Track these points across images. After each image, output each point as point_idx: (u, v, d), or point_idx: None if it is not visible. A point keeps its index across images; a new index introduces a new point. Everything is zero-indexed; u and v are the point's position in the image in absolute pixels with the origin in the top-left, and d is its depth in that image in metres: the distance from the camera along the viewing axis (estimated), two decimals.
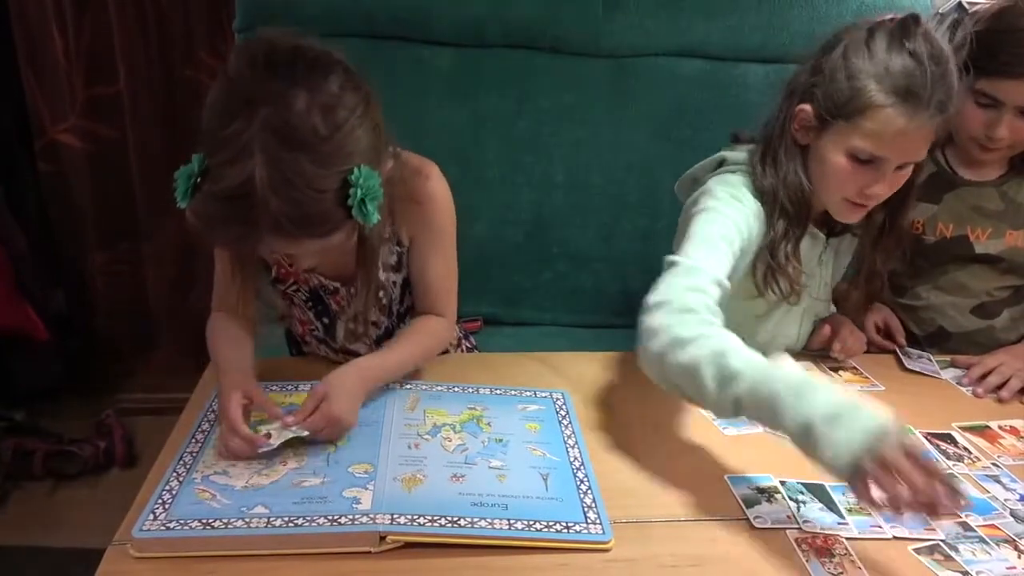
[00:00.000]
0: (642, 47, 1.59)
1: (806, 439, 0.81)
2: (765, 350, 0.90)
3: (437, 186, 1.06)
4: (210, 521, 0.80)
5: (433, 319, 1.12)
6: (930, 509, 0.76)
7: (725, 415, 0.93)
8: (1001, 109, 1.19)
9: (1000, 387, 1.20)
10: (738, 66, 1.61)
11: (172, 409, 2.14)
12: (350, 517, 0.81)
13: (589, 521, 0.85)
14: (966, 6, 1.64)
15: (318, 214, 0.83)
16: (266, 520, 0.81)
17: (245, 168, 0.79)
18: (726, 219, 1.05)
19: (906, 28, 1.00)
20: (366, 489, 0.86)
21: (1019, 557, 0.85)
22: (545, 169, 1.62)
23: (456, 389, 1.08)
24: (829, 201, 1.10)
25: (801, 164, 1.09)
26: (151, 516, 0.81)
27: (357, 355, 1.14)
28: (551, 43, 1.56)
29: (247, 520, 0.81)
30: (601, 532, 0.83)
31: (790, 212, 1.09)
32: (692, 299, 0.94)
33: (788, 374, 0.84)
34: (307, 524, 0.80)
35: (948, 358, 1.29)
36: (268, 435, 0.91)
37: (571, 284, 1.69)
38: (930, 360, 1.28)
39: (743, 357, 0.87)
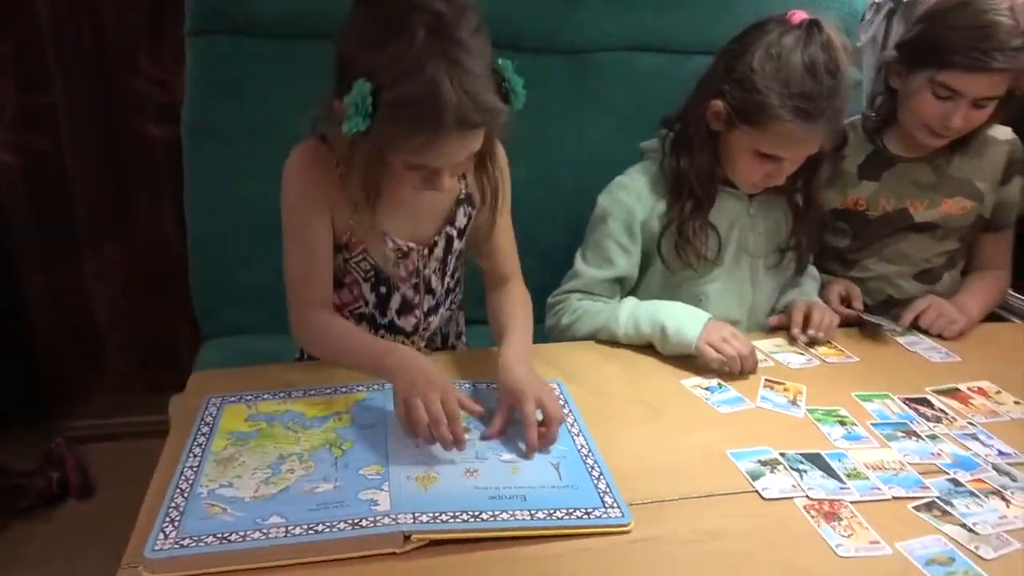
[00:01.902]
0: (599, 43, 1.62)
1: (663, 338, 1.18)
2: (733, 312, 1.30)
3: (500, 147, 1.11)
4: (226, 535, 0.77)
5: (518, 287, 1.19)
6: (746, 363, 1.13)
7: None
8: (959, 101, 1.26)
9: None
10: (693, 59, 1.63)
11: (128, 434, 2.07)
12: (371, 519, 0.80)
13: (607, 505, 0.85)
14: None
15: (488, 100, 0.90)
16: (284, 529, 0.78)
17: (428, 72, 0.86)
18: (612, 224, 1.29)
19: (809, 37, 1.12)
20: (381, 490, 0.85)
21: (1008, 506, 0.90)
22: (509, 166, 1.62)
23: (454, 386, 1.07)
24: (737, 179, 1.26)
25: (713, 150, 1.24)
26: (161, 535, 0.77)
27: (401, 332, 1.18)
28: (511, 40, 1.56)
29: (264, 531, 0.78)
30: (620, 515, 0.84)
31: (698, 193, 1.25)
32: (576, 301, 1.30)
33: (638, 305, 1.23)
34: (328, 530, 0.79)
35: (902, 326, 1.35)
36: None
37: (539, 280, 1.69)
38: (890, 322, 1.33)
39: (605, 308, 1.26)
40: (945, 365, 1.25)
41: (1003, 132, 1.40)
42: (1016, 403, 1.13)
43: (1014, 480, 0.95)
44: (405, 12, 0.88)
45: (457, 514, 0.82)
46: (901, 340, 1.31)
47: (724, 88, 1.19)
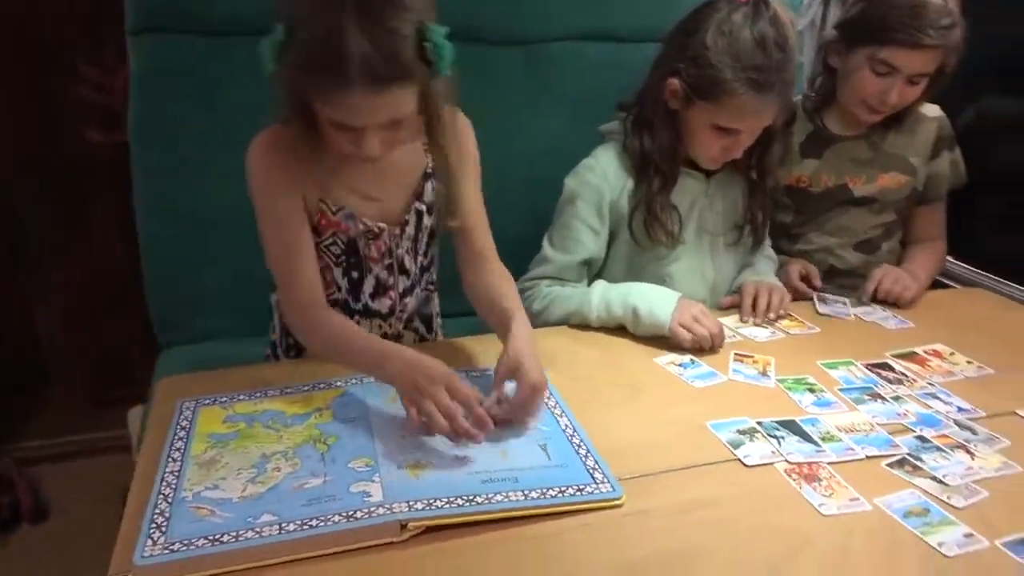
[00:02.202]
0: (551, 33, 1.63)
1: (636, 320, 1.20)
2: (697, 290, 1.33)
3: (469, 125, 1.12)
4: (217, 537, 0.76)
5: (498, 265, 1.16)
6: (716, 340, 1.17)
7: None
8: (896, 77, 1.33)
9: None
10: (642, 47, 1.66)
11: (81, 453, 1.99)
12: (366, 511, 0.79)
13: (597, 481, 0.86)
14: None
15: (399, 55, 0.88)
16: (278, 527, 0.77)
17: (334, 15, 0.86)
18: (582, 205, 1.31)
19: (757, 14, 1.17)
20: (373, 482, 0.84)
21: (973, 458, 0.95)
22: None
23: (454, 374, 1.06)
24: (697, 156, 1.30)
25: (673, 128, 1.27)
26: (149, 541, 0.75)
27: (377, 315, 1.17)
28: (464, 32, 1.56)
29: (257, 530, 0.77)
30: (611, 490, 0.85)
31: (664, 170, 1.29)
32: (546, 287, 1.32)
33: (608, 288, 1.26)
34: (323, 524, 0.77)
35: (855, 297, 1.41)
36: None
37: None
38: (844, 304, 1.39)
39: (576, 293, 1.28)
40: (901, 332, 1.30)
41: (932, 110, 1.47)
42: (969, 363, 1.19)
43: (975, 434, 1.00)
44: None
45: (452, 499, 0.82)
46: (857, 311, 1.36)
47: (679, 67, 1.22)
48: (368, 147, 0.96)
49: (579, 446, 0.93)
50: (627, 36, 1.68)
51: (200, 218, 1.50)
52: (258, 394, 1.01)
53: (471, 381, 0.98)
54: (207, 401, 0.99)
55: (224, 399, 1.00)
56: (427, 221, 1.15)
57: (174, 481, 0.84)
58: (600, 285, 1.27)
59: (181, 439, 0.92)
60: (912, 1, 1.29)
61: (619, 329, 1.24)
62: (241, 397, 1.00)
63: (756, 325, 1.29)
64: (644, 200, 1.29)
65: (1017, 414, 1.05)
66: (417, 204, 1.12)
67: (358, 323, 1.16)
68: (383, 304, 1.17)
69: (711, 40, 1.18)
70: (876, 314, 1.36)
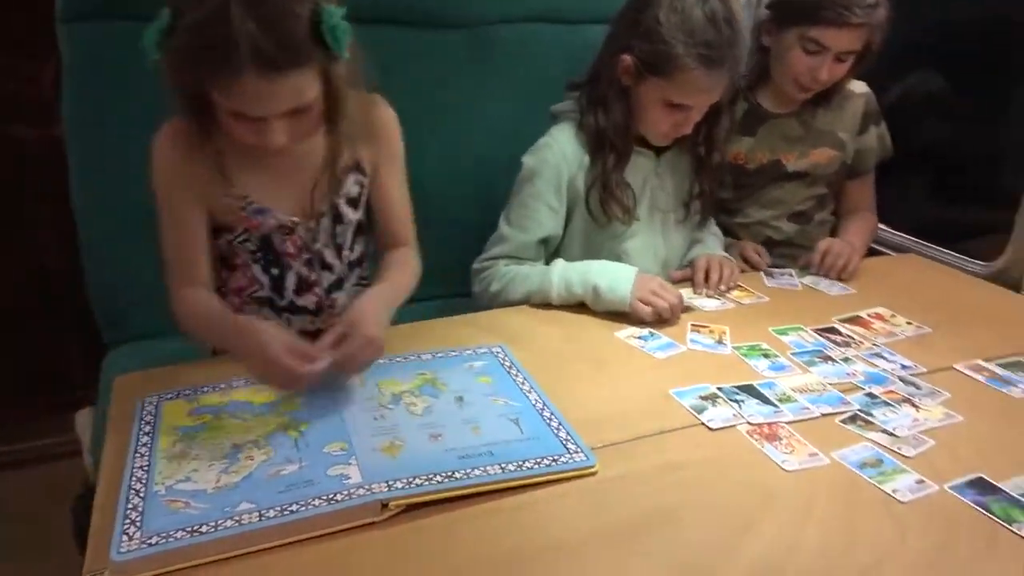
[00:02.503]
0: (496, 15, 1.63)
1: (596, 297, 1.22)
2: (650, 267, 1.35)
3: (391, 114, 1.09)
4: (196, 527, 0.75)
5: (405, 250, 1.14)
6: (675, 311, 1.21)
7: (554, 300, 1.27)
8: (825, 55, 1.38)
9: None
10: (588, 28, 1.69)
11: (20, 463, 1.91)
12: (346, 492, 0.79)
13: (571, 452, 0.88)
14: None
15: (294, 41, 0.85)
16: (257, 514, 0.76)
17: (220, 1, 0.81)
18: (540, 183, 1.32)
19: None
20: (350, 464, 0.84)
21: (917, 411, 1.01)
22: (414, 144, 1.61)
23: (399, 359, 1.07)
24: (648, 132, 1.33)
25: (626, 105, 1.29)
26: (125, 537, 0.73)
27: (305, 312, 1.14)
28: (409, 16, 1.56)
29: (236, 518, 0.76)
30: (585, 459, 0.87)
31: (618, 146, 1.31)
32: (504, 267, 1.33)
33: (567, 267, 1.27)
34: (303, 509, 0.77)
35: (799, 267, 1.47)
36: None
37: (454, 254, 1.70)
38: (791, 275, 1.45)
39: (535, 273, 1.30)
40: (843, 297, 1.36)
41: (859, 86, 1.54)
42: (908, 323, 1.25)
43: (919, 388, 1.06)
44: None
45: (430, 476, 0.82)
46: (803, 280, 1.42)
47: (632, 43, 1.25)
48: (272, 137, 0.92)
49: (550, 419, 0.94)
50: (571, 18, 1.70)
51: (143, 212, 1.45)
52: (222, 386, 1.00)
53: (396, 367, 1.02)
54: (170, 395, 0.97)
55: (188, 392, 0.98)
56: (351, 216, 1.11)
57: (144, 476, 0.82)
58: (559, 264, 1.29)
59: (147, 434, 0.90)
60: None
61: (579, 306, 1.26)
62: (205, 390, 0.99)
63: (709, 297, 1.33)
64: (600, 177, 1.31)
65: (955, 368, 1.11)
66: (333, 197, 1.08)
67: (288, 321, 1.14)
68: (309, 300, 1.14)
69: (664, 17, 1.20)
70: (821, 283, 1.41)
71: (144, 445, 0.88)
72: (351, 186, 1.10)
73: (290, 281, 1.11)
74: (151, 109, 1.40)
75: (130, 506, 0.78)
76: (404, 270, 1.12)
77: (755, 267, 1.47)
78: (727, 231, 1.56)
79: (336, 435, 0.89)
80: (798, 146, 1.53)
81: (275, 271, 1.10)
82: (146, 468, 0.84)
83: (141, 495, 0.79)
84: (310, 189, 1.06)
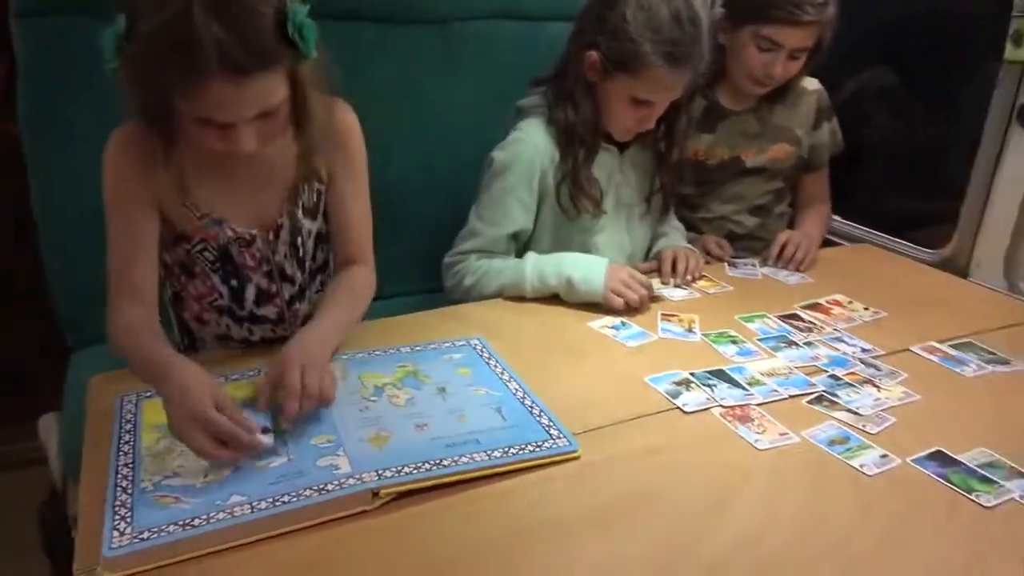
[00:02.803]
0: (462, 10, 1.65)
1: (570, 289, 1.25)
2: (617, 260, 1.35)
3: (352, 119, 1.06)
4: (188, 521, 0.75)
5: (359, 270, 1.11)
6: (645, 301, 1.25)
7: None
8: (779, 52, 1.43)
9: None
10: (550, 25, 1.72)
11: None
12: (337, 482, 0.80)
13: (554, 437, 0.91)
14: None
15: (261, 42, 0.82)
16: (249, 506, 0.77)
17: (181, 2, 0.78)
18: (512, 177, 1.33)
19: None
20: (338, 455, 0.85)
21: (879, 391, 1.06)
22: (383, 140, 1.61)
23: (379, 352, 1.08)
24: (613, 127, 1.35)
25: (592, 100, 1.31)
26: (116, 533, 0.73)
27: (266, 321, 1.12)
28: (374, 12, 1.56)
29: (228, 511, 0.76)
30: (568, 444, 0.90)
31: (587, 140, 1.33)
32: (476, 261, 1.35)
33: (540, 260, 1.30)
34: (295, 500, 0.78)
35: (760, 258, 1.53)
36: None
37: (423, 251, 1.71)
38: (753, 265, 1.50)
39: (508, 266, 1.32)
40: (803, 286, 1.42)
41: (811, 83, 1.60)
42: (865, 309, 1.31)
43: (879, 370, 1.11)
44: None
45: (419, 465, 0.84)
46: (764, 270, 1.47)
47: (598, 40, 1.27)
48: (241, 143, 0.88)
49: (531, 407, 0.97)
50: (535, 15, 1.72)
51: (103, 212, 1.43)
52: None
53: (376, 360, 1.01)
54: (148, 393, 0.96)
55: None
56: (308, 226, 1.09)
57: (130, 473, 0.82)
58: (532, 257, 1.31)
59: (128, 432, 0.89)
60: None
61: (552, 298, 1.29)
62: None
63: (676, 287, 1.36)
64: (570, 172, 1.34)
65: (910, 350, 1.17)
66: (290, 206, 1.05)
67: (249, 331, 1.12)
68: (269, 311, 1.11)
69: (630, 15, 1.23)
70: (780, 273, 1.47)
71: (127, 443, 0.87)
72: (308, 196, 1.07)
73: (250, 292, 1.09)
74: (109, 106, 1.38)
75: (118, 503, 0.77)
76: (353, 299, 1.07)
77: (718, 259, 1.51)
78: (690, 226, 1.61)
79: (322, 428, 0.90)
80: (756, 142, 1.58)
81: (234, 282, 1.08)
82: (131, 465, 0.83)
83: (128, 492, 0.79)
84: (271, 199, 1.03)
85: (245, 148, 0.89)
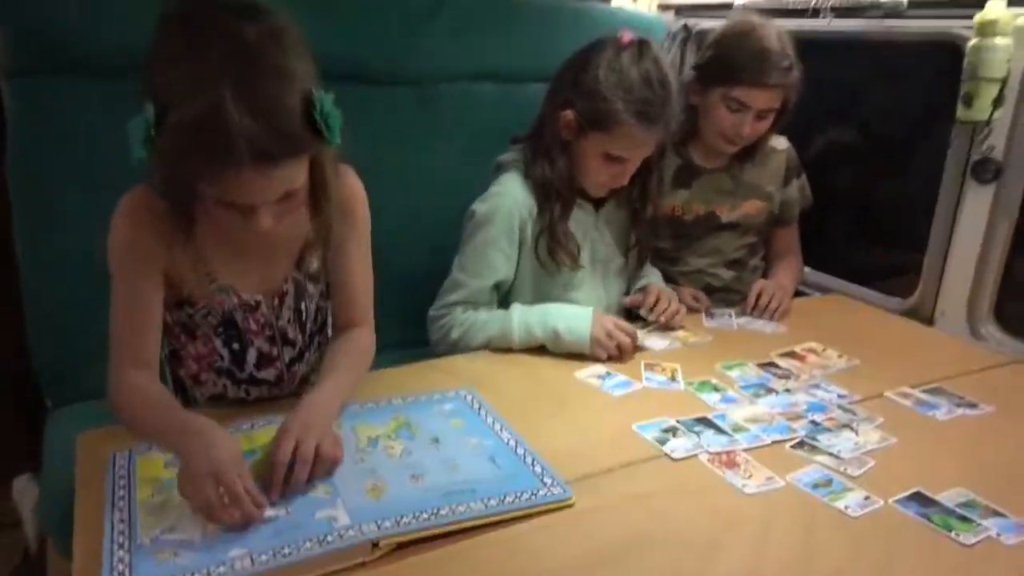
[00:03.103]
0: (442, 73, 1.72)
1: (557, 340, 1.28)
2: None
3: (358, 185, 1.07)
4: (189, 575, 0.75)
5: (360, 333, 1.12)
6: (625, 353, 1.29)
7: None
8: (747, 112, 1.51)
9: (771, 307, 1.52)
10: (526, 86, 1.79)
11: None
12: (336, 534, 0.81)
13: (548, 485, 0.92)
14: (690, 27, 2.01)
15: (290, 131, 0.83)
16: (250, 559, 0.77)
17: (213, 95, 0.78)
18: (494, 229, 1.36)
19: (641, 54, 1.31)
20: (336, 507, 0.86)
21: (857, 435, 1.09)
22: (368, 197, 1.66)
23: (371, 404, 1.09)
24: (587, 184, 1.40)
25: (567, 158, 1.36)
26: None
27: (264, 383, 1.12)
28: (358, 73, 1.62)
29: (230, 564, 0.76)
30: (562, 491, 0.91)
31: (564, 195, 1.38)
32: (462, 314, 1.37)
33: (526, 312, 1.33)
34: (295, 552, 0.78)
35: (736, 309, 1.57)
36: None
37: (404, 305, 1.73)
38: (730, 316, 1.54)
39: (494, 319, 1.34)
40: (778, 335, 1.46)
41: (780, 142, 1.68)
42: (839, 357, 1.36)
43: (856, 415, 1.15)
44: (209, 29, 0.82)
45: (417, 515, 0.85)
46: (739, 320, 1.52)
47: (573, 100, 1.33)
48: (262, 224, 0.90)
49: (524, 456, 0.98)
50: (510, 76, 1.80)
51: (86, 268, 1.42)
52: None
53: (369, 412, 1.03)
54: (142, 449, 0.96)
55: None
56: (312, 289, 1.10)
57: (126, 529, 0.82)
58: (517, 309, 1.34)
59: (123, 487, 0.89)
60: (756, 47, 1.48)
61: (537, 348, 1.31)
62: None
63: (655, 329, 1.41)
64: (548, 226, 1.38)
65: (884, 396, 1.21)
66: (295, 273, 1.07)
67: (246, 392, 1.12)
68: (269, 373, 1.12)
69: (603, 76, 1.30)
70: (755, 323, 1.51)
71: (122, 499, 0.87)
72: (312, 261, 1.08)
73: (251, 356, 1.10)
74: (96, 165, 1.43)
75: (116, 558, 0.77)
76: (355, 363, 1.08)
77: (694, 311, 1.56)
78: (669, 279, 1.65)
79: (319, 481, 0.90)
80: (730, 199, 1.64)
81: (236, 346, 1.09)
82: (126, 521, 0.83)
83: (126, 548, 0.79)
84: (278, 267, 1.05)
85: (262, 228, 0.90)
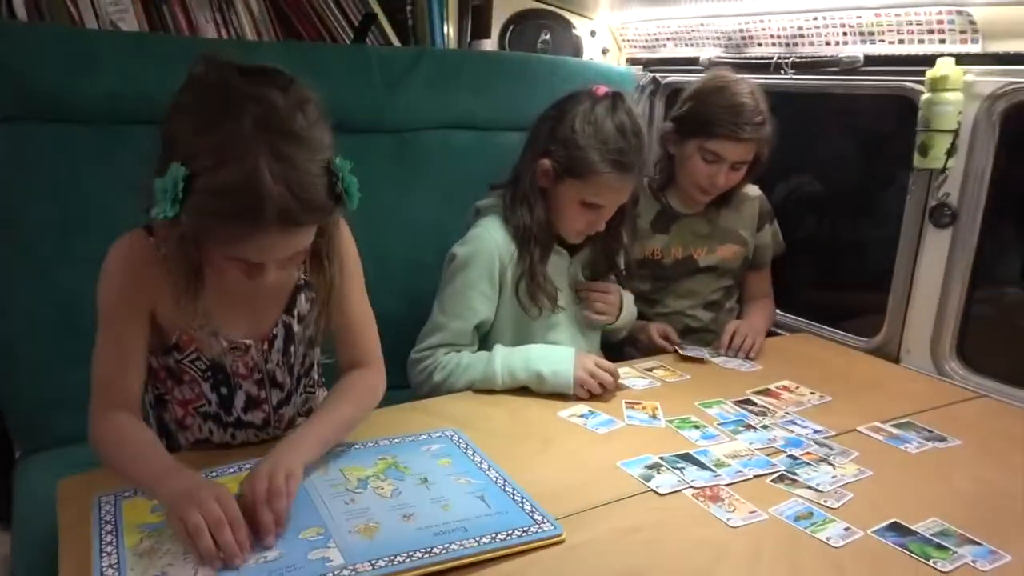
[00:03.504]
0: (420, 122, 1.76)
1: (541, 382, 1.30)
2: None
3: (346, 228, 1.08)
4: None
5: (362, 373, 1.12)
6: (608, 391, 1.31)
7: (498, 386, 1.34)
8: (722, 164, 1.57)
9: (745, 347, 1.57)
10: (501, 135, 1.84)
11: None
12: (332, 574, 0.81)
13: (538, 522, 0.93)
14: (658, 80, 2.09)
15: (315, 199, 0.86)
16: None
17: (248, 162, 0.81)
18: (474, 272, 1.39)
19: (615, 106, 1.37)
20: (329, 547, 0.85)
21: (835, 469, 1.12)
22: None
23: (358, 446, 1.09)
24: (564, 230, 1.45)
25: (544, 205, 1.40)
26: None
27: (252, 427, 1.12)
28: (339, 121, 1.64)
29: None
30: (552, 528, 0.92)
31: (542, 240, 1.41)
32: (444, 356, 1.39)
33: (509, 355, 1.35)
34: None
35: (710, 349, 1.61)
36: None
37: (385, 349, 1.73)
38: (702, 350, 1.58)
39: (477, 361, 1.36)
40: (752, 373, 1.50)
41: (753, 190, 1.75)
42: (812, 393, 1.40)
43: (832, 449, 1.18)
44: (238, 99, 0.84)
45: (410, 554, 0.85)
46: (716, 360, 1.56)
47: (550, 149, 1.38)
48: (268, 279, 0.93)
49: (512, 494, 0.99)
50: (485, 125, 1.85)
51: (62, 313, 1.43)
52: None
53: (356, 453, 1.04)
54: (127, 494, 0.95)
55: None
56: (300, 333, 1.11)
57: (115, 575, 0.80)
58: (500, 352, 1.36)
59: (110, 532, 0.88)
60: (731, 103, 1.55)
61: (519, 389, 1.33)
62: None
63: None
64: (527, 270, 1.41)
65: (857, 430, 1.25)
66: (285, 317, 1.08)
67: (232, 435, 1.12)
68: (256, 416, 1.12)
69: (579, 127, 1.35)
70: (731, 362, 1.55)
71: (109, 544, 0.86)
72: (302, 304, 1.10)
73: (239, 400, 1.10)
74: (67, 210, 1.43)
75: None
76: (352, 396, 1.09)
77: (662, 351, 1.59)
78: (647, 320, 1.69)
79: (310, 521, 0.90)
80: (707, 242, 1.70)
81: (224, 390, 1.09)
82: (116, 567, 0.82)
83: None
84: (268, 311, 1.06)
85: (268, 283, 0.93)
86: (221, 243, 0.89)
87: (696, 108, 1.60)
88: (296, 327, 1.10)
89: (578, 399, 1.30)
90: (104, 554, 0.84)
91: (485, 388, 1.34)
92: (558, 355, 1.33)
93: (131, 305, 0.99)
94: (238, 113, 0.83)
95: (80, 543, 0.88)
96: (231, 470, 1.01)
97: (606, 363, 1.34)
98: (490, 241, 1.41)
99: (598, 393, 1.30)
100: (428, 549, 0.86)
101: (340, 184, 0.89)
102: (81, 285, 1.41)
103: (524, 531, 0.91)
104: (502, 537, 0.90)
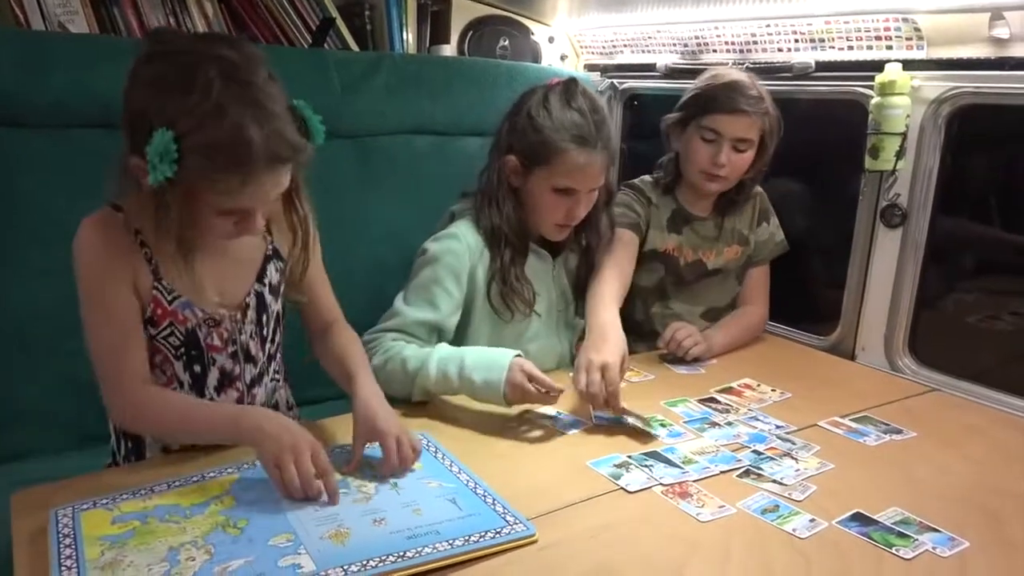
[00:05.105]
0: (380, 127, 1.75)
1: (473, 390, 1.25)
2: (549, 364, 1.45)
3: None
4: None
5: (343, 329, 1.22)
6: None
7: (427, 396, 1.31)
8: (722, 141, 1.55)
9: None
10: (461, 139, 1.85)
11: None
12: None
13: (511, 523, 0.93)
14: (616, 86, 2.12)
15: (291, 137, 0.93)
16: None
17: (228, 115, 0.88)
18: (441, 268, 1.37)
19: (568, 90, 1.37)
20: (300, 554, 0.84)
21: (797, 462, 1.15)
22: None
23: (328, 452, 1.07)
24: (543, 226, 1.42)
25: (516, 203, 1.39)
26: None
27: None
28: None
29: None
30: (525, 529, 0.92)
31: (514, 243, 1.40)
32: (391, 341, 1.34)
33: (447, 355, 1.27)
34: None
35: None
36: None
37: None
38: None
39: (417, 354, 1.29)
40: (711, 374, 1.52)
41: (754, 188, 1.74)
42: (773, 391, 1.42)
43: (794, 444, 1.21)
44: (196, 62, 0.90)
45: (383, 558, 0.84)
46: (675, 369, 1.54)
47: (512, 143, 1.38)
48: (255, 226, 0.99)
49: (484, 496, 0.99)
50: (447, 130, 1.85)
51: (14, 323, 1.38)
52: (143, 491, 0.96)
53: (335, 456, 1.05)
54: (85, 505, 0.92)
55: (105, 500, 0.93)
56: (273, 306, 1.14)
57: None
58: (439, 351, 1.28)
59: (69, 546, 0.85)
60: (726, 81, 1.55)
61: None
62: (124, 496, 0.94)
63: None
64: (499, 271, 1.39)
65: (818, 425, 1.28)
66: (257, 286, 1.11)
67: None
68: (230, 396, 1.13)
69: (535, 111, 1.35)
70: (687, 367, 1.54)
71: (68, 558, 0.83)
72: (272, 274, 1.13)
73: (212, 377, 1.10)
74: (31, 217, 1.38)
75: None
76: (362, 347, 1.21)
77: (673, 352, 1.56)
78: (639, 325, 1.67)
79: (279, 527, 0.89)
80: (714, 245, 1.68)
81: (197, 368, 1.08)
82: None
83: None
84: (239, 280, 1.09)
85: (257, 231, 1.00)
86: (218, 195, 0.93)
87: (695, 94, 1.58)
88: (268, 296, 1.12)
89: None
90: (64, 568, 0.81)
91: (421, 391, 1.28)
92: (492, 363, 1.23)
93: (117, 279, 1.00)
94: (204, 73, 0.89)
95: (36, 559, 0.85)
96: (195, 478, 0.99)
97: (538, 377, 1.21)
98: (463, 242, 1.38)
99: (535, 403, 1.25)
100: (401, 553, 0.85)
101: (306, 123, 0.98)
102: (32, 298, 1.39)
103: (497, 532, 0.91)
104: (475, 539, 0.89)
